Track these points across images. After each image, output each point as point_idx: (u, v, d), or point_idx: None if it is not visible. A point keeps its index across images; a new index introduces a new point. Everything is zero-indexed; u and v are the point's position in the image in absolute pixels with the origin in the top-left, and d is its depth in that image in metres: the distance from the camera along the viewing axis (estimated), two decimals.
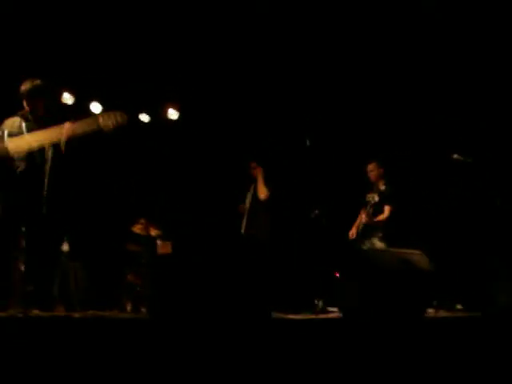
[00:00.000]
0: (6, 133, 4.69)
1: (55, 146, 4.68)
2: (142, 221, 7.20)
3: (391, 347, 4.02)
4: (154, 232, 7.19)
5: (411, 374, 3.35)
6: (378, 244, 6.03)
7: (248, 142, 7.48)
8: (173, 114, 7.89)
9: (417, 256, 4.94)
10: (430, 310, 5.55)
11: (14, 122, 4.82)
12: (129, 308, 6.76)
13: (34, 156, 4.71)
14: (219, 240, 4.92)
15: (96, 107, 7.68)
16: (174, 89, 7.55)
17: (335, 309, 5.74)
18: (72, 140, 4.63)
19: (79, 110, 7.52)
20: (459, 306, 6.33)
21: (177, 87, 7.51)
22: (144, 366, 3.40)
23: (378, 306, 4.78)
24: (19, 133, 4.72)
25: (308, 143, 6.59)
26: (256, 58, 7.10)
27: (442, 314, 5.72)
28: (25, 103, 4.82)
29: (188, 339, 3.98)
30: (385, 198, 6.10)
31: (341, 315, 5.33)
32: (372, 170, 6.33)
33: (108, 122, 4.59)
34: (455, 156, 5.96)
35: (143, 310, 6.68)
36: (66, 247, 6.92)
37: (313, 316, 5.58)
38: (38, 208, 4.95)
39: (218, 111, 7.69)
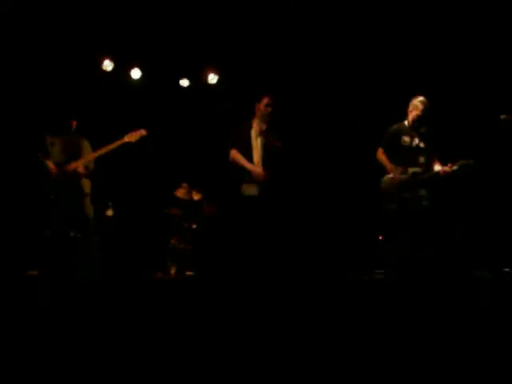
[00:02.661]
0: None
1: None
2: (185, 185, 7.26)
3: (439, 307, 4.00)
4: (196, 196, 7.26)
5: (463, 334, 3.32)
6: (424, 192, 5.27)
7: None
8: (213, 78, 7.85)
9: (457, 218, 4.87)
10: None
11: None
12: (173, 272, 6.85)
13: None
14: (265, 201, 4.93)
15: (136, 73, 7.69)
16: (214, 53, 7.49)
17: (380, 271, 5.71)
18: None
19: (119, 77, 7.56)
20: (507, 269, 6.23)
21: (217, 51, 7.44)
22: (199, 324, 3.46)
23: (425, 267, 4.76)
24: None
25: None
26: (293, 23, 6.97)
27: (488, 275, 5.65)
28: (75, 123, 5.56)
29: (234, 298, 4.02)
30: (432, 146, 5.25)
31: (386, 277, 5.32)
32: (424, 107, 5.15)
33: (132, 138, 5.39)
34: (503, 116, 5.77)
35: (187, 273, 6.78)
36: (110, 212, 7.01)
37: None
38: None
39: (258, 75, 7.59)
